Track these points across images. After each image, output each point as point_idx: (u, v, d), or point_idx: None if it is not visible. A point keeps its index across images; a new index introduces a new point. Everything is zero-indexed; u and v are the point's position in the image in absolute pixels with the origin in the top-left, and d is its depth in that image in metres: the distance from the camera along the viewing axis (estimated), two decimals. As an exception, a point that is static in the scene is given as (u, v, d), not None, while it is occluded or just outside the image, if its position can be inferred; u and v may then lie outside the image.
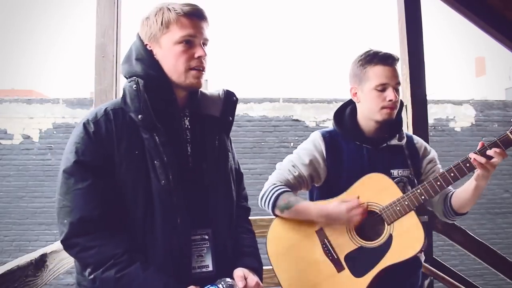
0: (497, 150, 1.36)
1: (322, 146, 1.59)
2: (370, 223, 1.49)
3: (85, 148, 1.11)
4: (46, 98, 8.40)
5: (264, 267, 2.16)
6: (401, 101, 1.62)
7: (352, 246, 1.47)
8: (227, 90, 1.30)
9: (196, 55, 1.16)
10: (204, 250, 1.19)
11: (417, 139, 1.69)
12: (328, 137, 1.62)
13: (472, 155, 1.39)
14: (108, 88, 2.18)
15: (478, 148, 1.40)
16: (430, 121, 7.69)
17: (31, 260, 1.36)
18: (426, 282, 2.27)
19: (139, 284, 1.06)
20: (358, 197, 1.48)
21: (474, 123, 8.09)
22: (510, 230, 7.94)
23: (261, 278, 1.23)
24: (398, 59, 1.56)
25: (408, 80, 2.41)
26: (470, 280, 2.36)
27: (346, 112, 1.66)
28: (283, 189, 1.55)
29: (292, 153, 1.67)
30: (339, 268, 1.47)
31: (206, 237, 1.20)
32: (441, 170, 1.58)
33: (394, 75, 1.53)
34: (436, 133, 7.88)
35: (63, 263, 1.62)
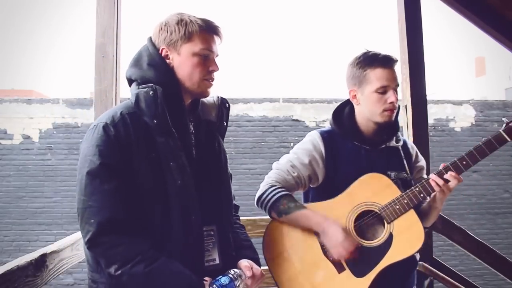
0: (453, 173, 1.42)
1: (321, 146, 1.57)
2: (369, 222, 1.49)
3: (108, 150, 1.14)
4: (46, 98, 8.39)
5: (263, 267, 2.17)
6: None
7: (353, 245, 1.45)
8: (222, 97, 1.39)
9: (210, 69, 1.26)
10: (211, 245, 1.27)
11: (411, 144, 1.71)
12: (326, 137, 1.60)
13: (432, 176, 1.44)
14: (108, 88, 2.18)
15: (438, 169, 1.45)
16: (430, 121, 7.69)
17: (31, 260, 1.36)
18: (426, 282, 2.28)
19: (167, 278, 1.12)
20: (359, 245, 1.45)
21: (474, 123, 8.09)
22: (510, 230, 7.94)
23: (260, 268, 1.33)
24: (397, 61, 1.55)
25: (408, 80, 2.41)
26: (470, 280, 2.37)
27: (344, 112, 1.64)
28: (282, 192, 1.53)
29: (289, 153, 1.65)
30: (340, 269, 1.46)
31: (212, 233, 1.27)
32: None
33: (394, 77, 1.53)
34: (436, 133, 7.88)
35: (63, 263, 1.62)
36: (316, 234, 1.51)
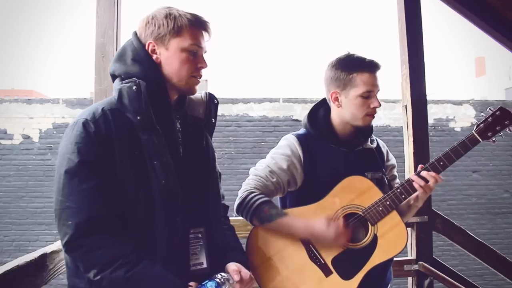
0: (432, 174, 1.45)
1: (299, 151, 1.55)
2: (354, 225, 1.49)
3: (87, 148, 1.09)
4: (46, 98, 8.40)
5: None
6: None
7: (338, 249, 1.46)
8: (210, 93, 1.33)
9: (199, 66, 1.21)
10: (198, 248, 1.22)
11: (382, 143, 1.71)
12: (304, 140, 1.58)
13: (413, 177, 1.47)
14: (108, 88, 2.17)
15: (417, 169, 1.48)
16: (430, 121, 7.69)
17: (31, 260, 1.36)
18: (426, 282, 2.28)
19: (149, 283, 1.07)
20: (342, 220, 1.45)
21: (474, 123, 8.06)
22: (510, 230, 7.94)
23: (249, 271, 1.28)
24: (381, 66, 1.56)
25: (408, 80, 2.40)
26: (470, 280, 2.36)
27: (319, 114, 1.63)
28: (262, 199, 1.49)
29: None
30: (327, 272, 1.45)
31: (200, 235, 1.22)
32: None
33: (378, 82, 1.54)
34: (436, 133, 7.88)
35: (63, 263, 1.62)
36: (301, 239, 1.49)
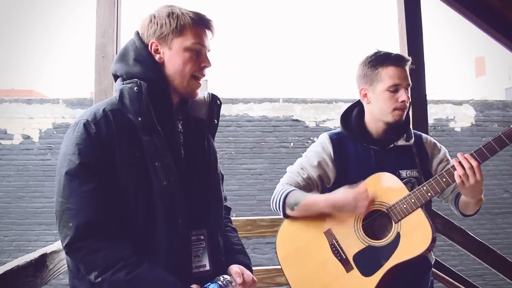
0: (468, 156, 1.39)
1: (330, 148, 1.61)
2: (377, 222, 1.49)
3: (88, 149, 1.09)
4: (46, 98, 8.40)
5: (263, 267, 2.17)
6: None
7: (360, 245, 1.47)
8: (213, 94, 1.32)
9: (202, 65, 1.20)
10: (201, 250, 1.21)
11: (426, 138, 1.68)
12: (335, 138, 1.63)
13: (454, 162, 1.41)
14: (108, 88, 2.17)
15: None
16: (430, 121, 7.68)
17: (31, 260, 1.36)
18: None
19: (150, 285, 1.07)
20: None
21: (474, 123, 8.09)
22: (510, 230, 7.94)
23: (251, 273, 1.28)
24: (409, 60, 1.56)
25: (408, 80, 2.40)
26: (470, 280, 2.36)
27: (353, 114, 1.66)
28: (291, 188, 1.56)
29: (292, 153, 1.66)
30: (348, 268, 1.47)
31: (202, 237, 1.22)
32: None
33: (406, 75, 1.53)
34: (436, 133, 7.88)
35: (63, 263, 1.62)
36: (326, 233, 1.53)
